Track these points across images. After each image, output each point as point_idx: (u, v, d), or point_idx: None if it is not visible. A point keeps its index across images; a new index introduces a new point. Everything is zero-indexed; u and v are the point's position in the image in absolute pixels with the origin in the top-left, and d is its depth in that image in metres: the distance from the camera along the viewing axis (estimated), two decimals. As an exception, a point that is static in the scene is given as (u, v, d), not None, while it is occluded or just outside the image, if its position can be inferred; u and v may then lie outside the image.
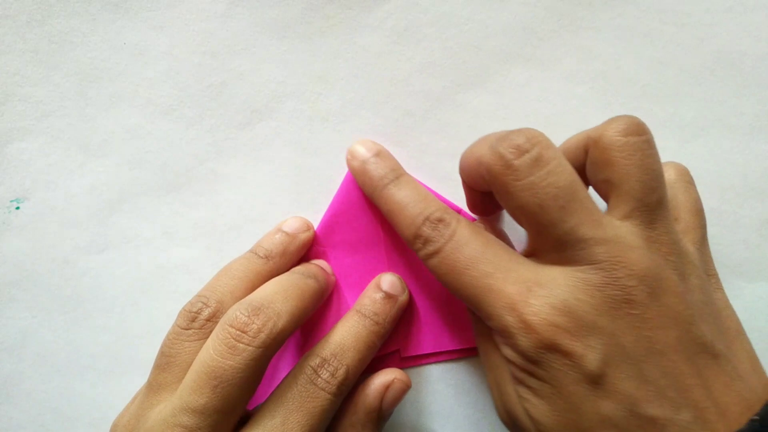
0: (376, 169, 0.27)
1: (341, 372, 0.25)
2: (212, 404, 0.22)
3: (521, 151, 0.22)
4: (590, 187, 0.25)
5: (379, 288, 0.28)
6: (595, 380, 0.20)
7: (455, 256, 0.23)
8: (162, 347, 0.25)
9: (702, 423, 0.20)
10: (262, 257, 0.27)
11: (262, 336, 0.23)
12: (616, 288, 0.21)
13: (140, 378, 0.29)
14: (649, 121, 0.32)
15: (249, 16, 0.31)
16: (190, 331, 0.25)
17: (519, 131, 0.22)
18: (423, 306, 0.30)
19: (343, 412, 0.26)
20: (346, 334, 0.26)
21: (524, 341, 0.21)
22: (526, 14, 0.30)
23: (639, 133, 0.22)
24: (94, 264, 0.31)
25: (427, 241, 0.24)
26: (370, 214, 0.29)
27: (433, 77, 0.31)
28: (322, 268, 0.29)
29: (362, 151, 0.28)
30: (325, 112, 0.31)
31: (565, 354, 0.21)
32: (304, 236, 0.29)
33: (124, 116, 0.31)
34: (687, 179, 0.26)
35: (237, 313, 0.24)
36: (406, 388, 0.27)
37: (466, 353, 0.30)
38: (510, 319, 0.22)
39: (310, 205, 0.31)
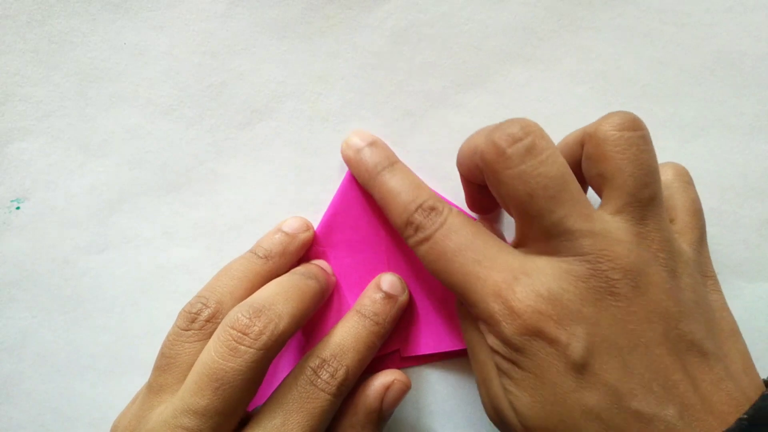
0: (371, 157, 0.28)
1: (341, 373, 0.25)
2: (213, 406, 0.22)
3: (514, 140, 0.22)
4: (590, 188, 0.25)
5: (379, 288, 0.28)
6: (579, 369, 0.20)
7: (444, 243, 0.24)
8: (162, 348, 0.25)
9: (688, 419, 0.20)
10: (261, 257, 0.27)
11: (264, 338, 0.23)
12: (599, 280, 0.21)
13: (140, 378, 0.29)
14: (649, 121, 0.31)
15: (249, 16, 0.31)
16: (189, 332, 0.25)
17: (514, 121, 0.22)
18: (423, 306, 0.30)
19: (343, 412, 0.26)
20: (346, 335, 0.26)
21: (508, 327, 0.21)
22: (526, 14, 0.30)
23: (634, 128, 0.22)
24: (94, 264, 0.31)
25: (418, 228, 0.25)
26: (370, 213, 0.29)
27: (433, 77, 0.31)
28: (322, 269, 0.29)
29: (357, 141, 0.29)
30: (325, 112, 0.31)
31: (549, 341, 0.21)
32: (304, 236, 0.29)
33: (124, 116, 0.31)
34: (685, 179, 0.26)
35: (238, 314, 0.24)
36: (406, 389, 0.27)
37: (466, 353, 0.30)
38: (495, 306, 0.22)
39: (310, 205, 0.31)
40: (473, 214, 0.29)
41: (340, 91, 0.31)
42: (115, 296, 0.31)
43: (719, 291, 0.24)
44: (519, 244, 0.24)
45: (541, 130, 0.22)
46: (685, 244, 0.24)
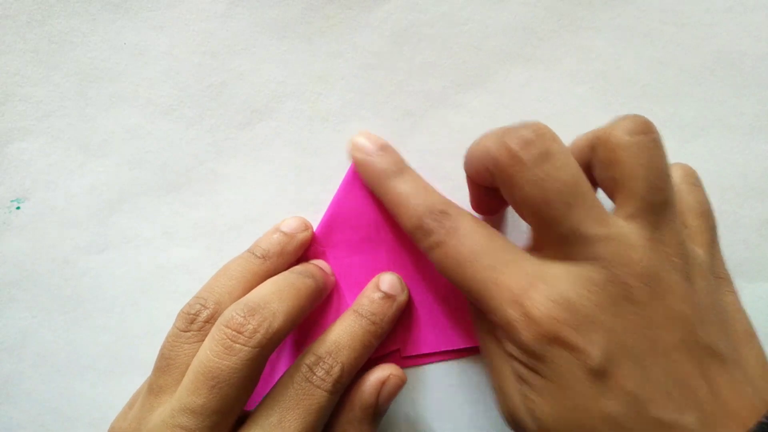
0: (380, 162, 0.27)
1: (336, 369, 0.25)
2: (210, 405, 0.22)
3: (528, 144, 0.21)
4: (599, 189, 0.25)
5: (377, 288, 0.28)
6: (598, 376, 0.20)
7: (458, 248, 0.23)
8: (162, 349, 0.25)
9: (708, 426, 0.20)
10: (259, 257, 0.27)
11: (258, 336, 0.23)
12: (616, 285, 0.21)
13: (140, 378, 0.29)
14: (649, 121, 0.31)
15: (249, 16, 0.31)
16: (188, 333, 0.25)
17: (527, 124, 0.22)
18: (423, 306, 0.30)
19: (340, 409, 0.26)
20: (342, 333, 0.26)
21: (527, 334, 0.21)
22: (526, 14, 0.30)
23: (646, 132, 0.22)
24: (94, 264, 0.31)
25: (429, 233, 0.24)
26: (370, 213, 0.29)
27: (433, 77, 0.31)
28: (320, 268, 0.29)
29: (366, 144, 0.28)
30: (325, 112, 0.31)
31: (568, 347, 0.21)
32: (302, 236, 0.29)
33: (124, 116, 0.31)
34: (693, 181, 0.26)
35: (233, 313, 0.24)
36: (402, 383, 0.27)
37: (466, 353, 0.30)
38: (512, 313, 0.22)
39: (310, 205, 0.31)
40: (476, 215, 0.29)
41: (340, 91, 0.31)
42: (115, 296, 0.31)
43: (733, 292, 0.24)
44: (534, 248, 0.24)
45: (553, 133, 0.22)
46: (697, 246, 0.24)
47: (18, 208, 0.31)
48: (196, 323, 0.25)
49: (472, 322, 0.27)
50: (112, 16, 0.31)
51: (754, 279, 0.30)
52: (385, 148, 0.28)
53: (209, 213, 0.31)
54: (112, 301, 0.31)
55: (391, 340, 0.29)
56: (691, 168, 0.27)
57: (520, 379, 0.22)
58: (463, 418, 0.30)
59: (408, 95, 0.31)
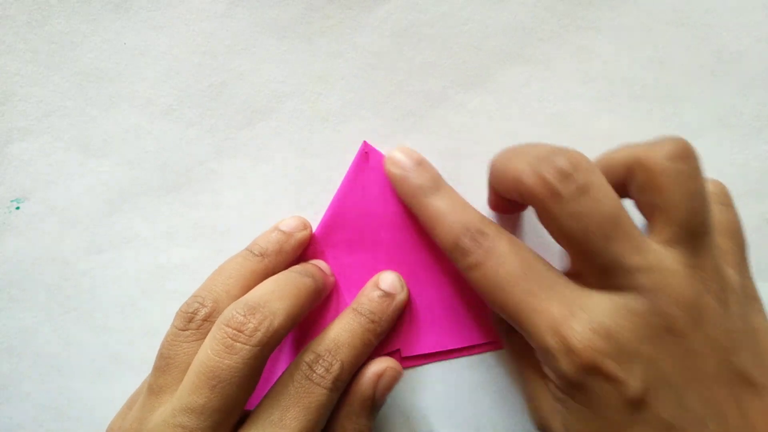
0: (417, 178, 0.27)
1: (336, 367, 0.25)
2: (211, 404, 0.22)
3: (566, 177, 0.21)
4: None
5: (377, 286, 0.28)
6: (635, 406, 0.20)
7: (496, 270, 0.23)
8: (161, 349, 0.25)
9: None
10: (257, 255, 0.27)
11: (259, 335, 0.23)
12: (658, 316, 0.21)
13: (140, 378, 0.29)
14: (649, 121, 0.32)
15: (249, 16, 0.31)
16: (187, 332, 0.25)
17: (560, 152, 0.22)
18: (424, 305, 0.30)
19: (339, 405, 0.26)
20: (341, 331, 0.26)
21: (566, 364, 0.21)
22: (526, 14, 0.30)
23: (687, 158, 0.22)
24: (94, 264, 0.31)
25: (466, 253, 0.24)
26: (370, 214, 0.29)
27: (433, 77, 0.31)
28: (319, 268, 0.29)
29: (403, 159, 0.28)
30: (325, 112, 0.31)
31: (607, 378, 0.21)
32: (301, 235, 0.29)
33: (124, 116, 0.31)
34: (722, 200, 0.26)
35: (233, 312, 0.24)
36: (398, 376, 0.27)
37: (466, 352, 0.30)
38: (552, 342, 0.21)
39: (310, 205, 0.31)
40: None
41: (340, 91, 0.31)
42: (115, 296, 0.31)
43: (762, 311, 0.24)
44: (573, 274, 0.23)
45: (589, 162, 0.22)
46: (729, 267, 0.24)
47: (18, 208, 0.31)
48: (194, 322, 0.25)
49: (503, 336, 0.28)
50: (112, 16, 0.31)
51: (754, 279, 0.30)
52: (422, 163, 0.28)
53: (209, 213, 0.31)
54: (112, 301, 0.31)
55: (391, 341, 0.29)
56: (721, 185, 0.27)
57: (557, 401, 0.22)
58: (463, 418, 0.30)
59: (408, 95, 0.31)
